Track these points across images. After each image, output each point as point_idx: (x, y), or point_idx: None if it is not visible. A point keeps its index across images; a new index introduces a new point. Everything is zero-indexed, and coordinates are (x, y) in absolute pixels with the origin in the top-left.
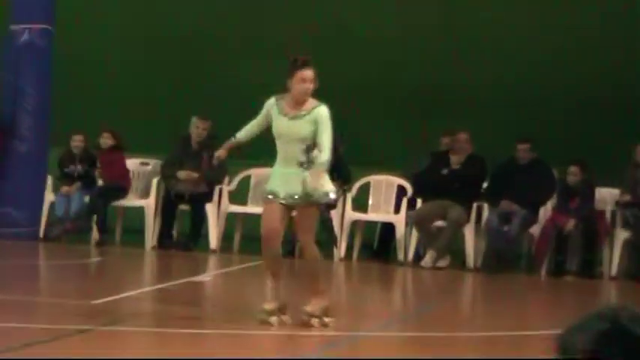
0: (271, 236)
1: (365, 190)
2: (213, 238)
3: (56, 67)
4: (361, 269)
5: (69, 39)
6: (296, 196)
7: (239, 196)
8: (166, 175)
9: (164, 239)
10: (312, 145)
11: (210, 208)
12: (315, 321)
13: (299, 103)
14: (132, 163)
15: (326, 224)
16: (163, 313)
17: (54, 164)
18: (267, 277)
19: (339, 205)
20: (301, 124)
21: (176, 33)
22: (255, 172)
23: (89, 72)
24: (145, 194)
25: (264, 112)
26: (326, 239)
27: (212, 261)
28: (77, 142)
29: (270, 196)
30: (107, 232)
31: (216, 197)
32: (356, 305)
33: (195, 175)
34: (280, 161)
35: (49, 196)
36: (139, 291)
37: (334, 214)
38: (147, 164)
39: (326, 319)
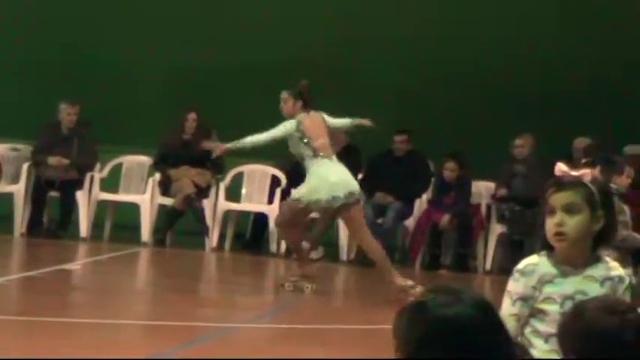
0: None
1: (238, 179)
2: (84, 226)
3: None
4: (233, 260)
5: None
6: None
7: (110, 183)
8: (37, 161)
9: (33, 226)
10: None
11: (80, 196)
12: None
13: None
14: (1, 148)
15: (198, 214)
16: (31, 301)
17: None
18: None
19: (212, 194)
20: None
21: (47, 15)
22: (127, 160)
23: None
24: (15, 180)
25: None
26: (198, 229)
27: (82, 249)
28: None
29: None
30: None
31: (87, 184)
32: (227, 296)
33: (66, 161)
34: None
35: None
36: (5, 278)
37: (206, 204)
38: (17, 150)
39: None
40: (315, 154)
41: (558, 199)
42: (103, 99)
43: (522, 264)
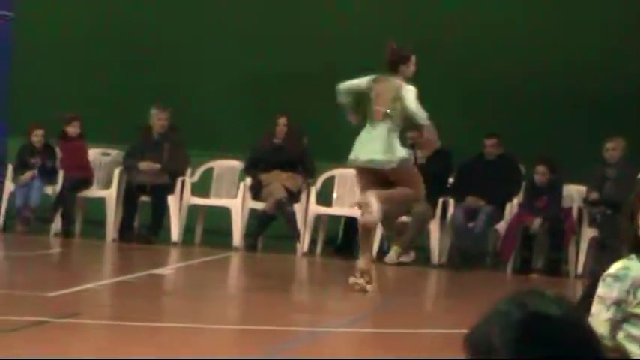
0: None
1: (329, 184)
2: (175, 231)
3: (16, 56)
4: (324, 264)
5: (29, 27)
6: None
7: (201, 188)
8: (128, 166)
9: (125, 231)
10: None
11: (171, 200)
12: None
13: None
14: (93, 154)
15: (289, 218)
16: (123, 305)
17: (13, 154)
18: None
19: (303, 198)
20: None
21: (135, 21)
22: (218, 164)
23: (49, 61)
24: (107, 185)
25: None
26: (289, 233)
27: (173, 253)
28: (38, 136)
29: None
30: (71, 224)
31: (178, 189)
32: (319, 301)
33: (157, 166)
34: None
35: (8, 186)
36: (98, 283)
37: (297, 208)
38: (108, 155)
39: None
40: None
41: None
42: (194, 104)
43: (614, 268)
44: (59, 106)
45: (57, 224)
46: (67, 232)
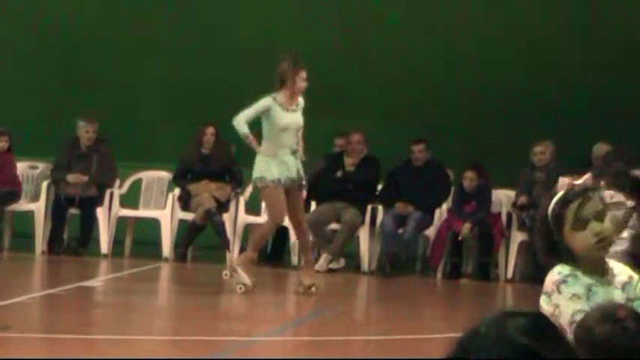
0: (282, 220)
1: (258, 193)
2: (104, 243)
3: None
4: (254, 273)
5: None
6: (294, 180)
7: (130, 199)
8: (56, 178)
9: (54, 244)
10: None
11: (100, 212)
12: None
13: (295, 98)
14: (21, 167)
15: (219, 228)
16: (53, 318)
17: None
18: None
19: (232, 208)
20: (299, 115)
21: (64, 34)
22: (146, 175)
23: None
24: (35, 198)
25: (261, 108)
26: (219, 243)
27: (103, 265)
28: None
29: (272, 183)
30: (1, 238)
31: (106, 201)
32: (249, 310)
33: (85, 178)
34: (276, 150)
35: None
36: (27, 296)
37: (227, 218)
38: (36, 167)
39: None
40: None
41: (589, 208)
42: (121, 115)
43: (560, 275)
44: None
45: None
46: None
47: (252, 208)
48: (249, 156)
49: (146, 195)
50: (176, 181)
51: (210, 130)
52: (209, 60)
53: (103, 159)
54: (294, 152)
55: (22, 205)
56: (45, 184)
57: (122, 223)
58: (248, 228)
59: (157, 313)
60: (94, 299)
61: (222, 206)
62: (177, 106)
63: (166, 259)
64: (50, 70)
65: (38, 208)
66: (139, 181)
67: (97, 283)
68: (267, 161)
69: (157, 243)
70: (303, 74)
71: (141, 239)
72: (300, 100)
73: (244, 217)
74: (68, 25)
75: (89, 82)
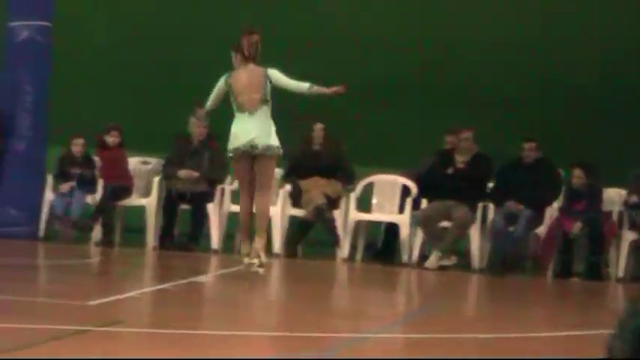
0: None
1: (369, 189)
2: (215, 238)
3: (55, 65)
4: (365, 270)
5: (68, 36)
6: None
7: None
8: (167, 174)
9: (165, 239)
10: None
11: (211, 208)
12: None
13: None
14: (133, 162)
15: (329, 224)
16: (163, 313)
17: (52, 163)
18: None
19: (343, 205)
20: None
21: (172, 30)
22: None
23: (88, 70)
24: (146, 193)
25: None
26: (329, 240)
27: (213, 261)
28: (78, 145)
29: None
30: (111, 233)
31: (217, 197)
32: (359, 307)
33: (196, 174)
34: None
35: (48, 196)
36: (138, 291)
37: (337, 215)
38: (147, 163)
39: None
40: (238, 109)
41: None
42: (230, 111)
43: None
44: (99, 115)
45: (97, 233)
46: (107, 241)
47: (363, 204)
48: (361, 152)
49: None
50: (287, 177)
51: (319, 126)
52: (317, 54)
53: (214, 155)
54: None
55: (134, 201)
56: (156, 179)
57: (233, 218)
58: (359, 225)
59: (265, 309)
60: (204, 295)
61: (333, 203)
62: (286, 102)
63: (277, 255)
64: (163, 65)
65: (149, 203)
66: None
67: (207, 278)
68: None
69: (268, 239)
70: (253, 38)
71: (252, 234)
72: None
73: (355, 214)
74: (178, 22)
75: (202, 77)
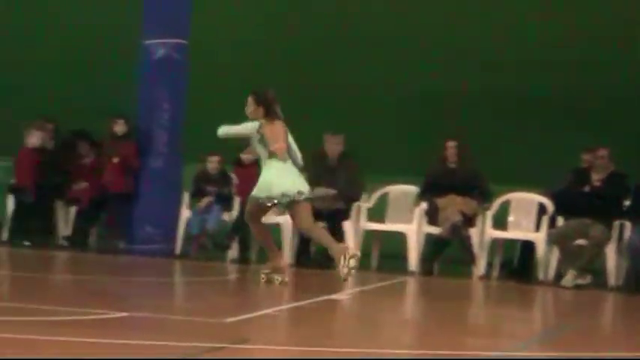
0: None
1: (505, 207)
2: None
3: (191, 83)
4: (500, 288)
5: (205, 54)
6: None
7: (377, 213)
8: None
9: (302, 256)
10: None
11: (347, 225)
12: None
13: None
14: None
15: (465, 242)
16: (299, 331)
17: (189, 180)
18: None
19: (479, 222)
20: None
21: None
22: (393, 189)
23: (222, 87)
24: (282, 211)
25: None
26: (465, 257)
27: (350, 279)
28: (213, 162)
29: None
30: (248, 250)
31: (354, 214)
32: (495, 325)
33: (332, 191)
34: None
35: (184, 213)
36: (274, 309)
37: (473, 232)
38: None
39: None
40: (270, 156)
41: None
42: (366, 128)
43: None
44: None
45: (233, 250)
46: (243, 259)
47: (499, 222)
48: (497, 170)
49: (393, 209)
50: (423, 195)
51: (452, 143)
52: (453, 71)
53: (350, 173)
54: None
55: (270, 218)
56: None
57: (369, 236)
58: (495, 242)
59: (402, 326)
60: (340, 312)
61: (469, 220)
62: (423, 120)
63: (412, 273)
64: (292, 81)
65: (286, 220)
66: (385, 195)
67: (343, 296)
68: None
69: (403, 256)
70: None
71: (387, 252)
72: None
73: (491, 232)
74: (311, 40)
75: (335, 95)
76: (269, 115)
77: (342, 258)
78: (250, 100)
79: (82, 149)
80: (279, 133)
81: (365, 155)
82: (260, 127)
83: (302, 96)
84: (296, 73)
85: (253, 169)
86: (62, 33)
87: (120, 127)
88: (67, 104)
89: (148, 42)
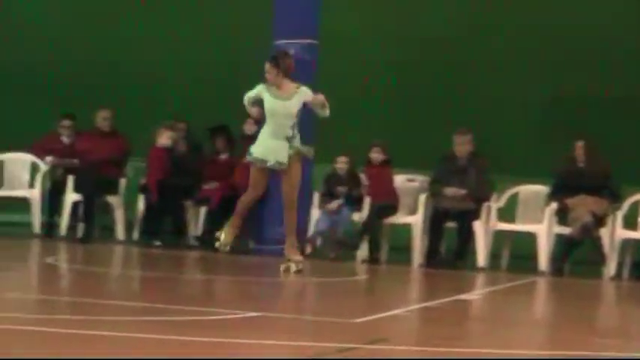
0: (258, 196)
1: (635, 208)
2: (481, 256)
3: (320, 83)
4: (631, 289)
5: (334, 54)
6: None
7: (507, 213)
8: (434, 191)
9: (431, 256)
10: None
11: (477, 226)
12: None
13: (282, 87)
14: (398, 180)
15: (595, 243)
16: (429, 331)
17: (319, 181)
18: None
19: (609, 223)
20: (289, 103)
21: (437, 47)
22: (523, 189)
23: (351, 87)
24: (412, 211)
25: (255, 92)
26: (595, 258)
27: (480, 279)
28: (341, 163)
29: (259, 163)
30: (378, 251)
31: (484, 214)
32: (626, 326)
33: (462, 191)
34: (265, 134)
35: (314, 214)
36: (404, 309)
37: (604, 233)
38: (413, 181)
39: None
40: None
41: None
42: (496, 128)
43: None
44: (364, 133)
45: (363, 251)
46: (373, 259)
47: (630, 222)
48: (626, 170)
49: (523, 209)
50: (553, 195)
51: (580, 144)
52: (581, 72)
53: (480, 173)
54: (284, 138)
55: (400, 218)
56: (422, 197)
57: (499, 236)
58: (626, 243)
59: (531, 327)
60: (470, 313)
61: (599, 221)
62: (551, 119)
63: (542, 273)
64: (426, 82)
65: (416, 221)
66: (515, 195)
67: (473, 296)
68: (259, 140)
69: (533, 257)
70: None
71: (517, 253)
72: (299, 89)
73: (622, 232)
74: (442, 39)
75: (466, 95)
76: (284, 76)
77: (296, 256)
78: (268, 67)
79: (219, 144)
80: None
81: (495, 155)
82: (265, 88)
83: (432, 96)
84: (426, 72)
85: (384, 170)
86: (194, 33)
87: (250, 127)
88: (199, 104)
89: (278, 42)
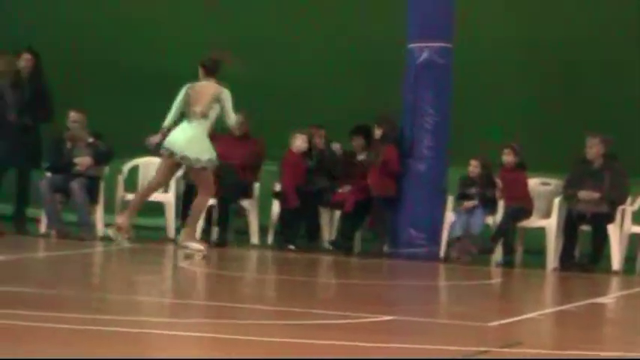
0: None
1: None
2: (615, 259)
3: (455, 86)
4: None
5: (465, 55)
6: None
7: None
8: (568, 195)
9: (565, 260)
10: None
11: (612, 229)
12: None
13: None
14: (532, 183)
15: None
16: (563, 335)
17: (454, 184)
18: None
19: (618, 218)
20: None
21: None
22: None
23: (485, 89)
24: (546, 214)
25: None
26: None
27: (614, 282)
28: (473, 166)
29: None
30: (512, 254)
31: (618, 218)
32: None
33: (596, 195)
34: None
35: (448, 217)
36: (539, 312)
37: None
38: (548, 184)
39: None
40: (187, 117)
41: None
42: (632, 130)
43: None
44: (493, 134)
45: (497, 254)
46: (507, 262)
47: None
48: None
49: None
50: None
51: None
52: None
53: (615, 176)
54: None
55: (534, 222)
56: (556, 200)
57: (634, 240)
58: None
59: None
60: (605, 316)
61: None
62: None
63: None
64: (562, 85)
65: (550, 224)
66: None
67: (608, 300)
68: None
69: None
70: None
71: None
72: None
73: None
74: (578, 39)
75: (600, 97)
76: (208, 76)
77: (196, 248)
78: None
79: (357, 144)
80: (203, 95)
81: (631, 157)
82: (187, 89)
83: (566, 98)
84: (560, 74)
85: (518, 173)
86: (326, 36)
87: (379, 131)
88: (332, 108)
89: (412, 45)
